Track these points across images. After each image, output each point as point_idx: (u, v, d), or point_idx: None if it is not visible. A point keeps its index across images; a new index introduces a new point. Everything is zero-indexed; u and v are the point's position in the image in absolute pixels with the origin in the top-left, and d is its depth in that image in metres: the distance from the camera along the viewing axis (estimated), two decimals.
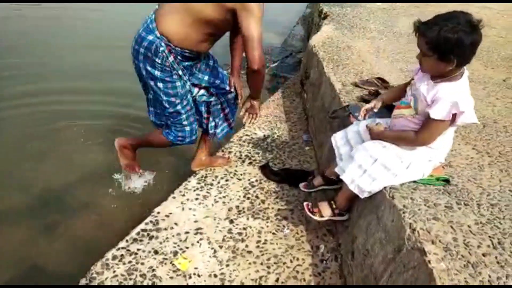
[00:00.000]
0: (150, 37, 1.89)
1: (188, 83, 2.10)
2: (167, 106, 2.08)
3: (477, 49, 1.38)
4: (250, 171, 2.54)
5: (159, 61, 1.92)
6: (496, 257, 1.26)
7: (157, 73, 1.97)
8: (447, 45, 1.36)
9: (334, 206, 1.92)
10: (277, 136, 2.97)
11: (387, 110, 1.87)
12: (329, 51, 3.24)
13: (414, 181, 1.64)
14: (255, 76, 1.97)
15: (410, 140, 1.60)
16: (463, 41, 1.34)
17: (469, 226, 1.39)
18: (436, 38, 1.36)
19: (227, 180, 2.44)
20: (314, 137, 2.90)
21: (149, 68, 1.97)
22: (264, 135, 2.97)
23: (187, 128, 2.20)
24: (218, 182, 2.41)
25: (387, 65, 3.02)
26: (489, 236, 1.35)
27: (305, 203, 2.00)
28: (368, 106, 1.87)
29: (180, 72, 2.01)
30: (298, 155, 2.77)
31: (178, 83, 2.03)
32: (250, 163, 2.62)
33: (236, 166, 2.57)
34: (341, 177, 1.73)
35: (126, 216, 2.33)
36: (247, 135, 2.95)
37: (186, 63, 2.03)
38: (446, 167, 1.77)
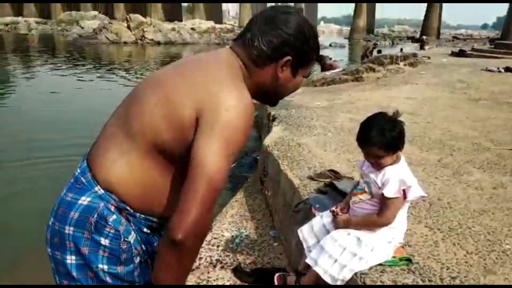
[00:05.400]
0: (85, 199, 1.12)
1: None
2: None
3: None
4: (223, 275, 2.54)
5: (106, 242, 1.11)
6: None
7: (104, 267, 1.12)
8: (395, 140, 1.66)
9: None
10: (245, 235, 3.03)
11: (339, 195, 2.04)
12: (282, 149, 3.52)
13: (380, 264, 1.76)
14: (173, 256, 1.07)
15: (376, 221, 1.76)
16: (402, 131, 1.66)
17: None
18: (387, 140, 1.64)
19: None
20: (281, 232, 3.00)
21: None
22: (232, 236, 3.02)
23: None
24: None
25: (335, 157, 3.32)
26: None
27: None
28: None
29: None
30: (268, 252, 2.82)
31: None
32: (222, 267, 2.63)
33: (208, 272, 2.56)
34: (314, 268, 1.82)
35: None
36: (215, 238, 2.98)
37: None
38: (405, 247, 1.93)
